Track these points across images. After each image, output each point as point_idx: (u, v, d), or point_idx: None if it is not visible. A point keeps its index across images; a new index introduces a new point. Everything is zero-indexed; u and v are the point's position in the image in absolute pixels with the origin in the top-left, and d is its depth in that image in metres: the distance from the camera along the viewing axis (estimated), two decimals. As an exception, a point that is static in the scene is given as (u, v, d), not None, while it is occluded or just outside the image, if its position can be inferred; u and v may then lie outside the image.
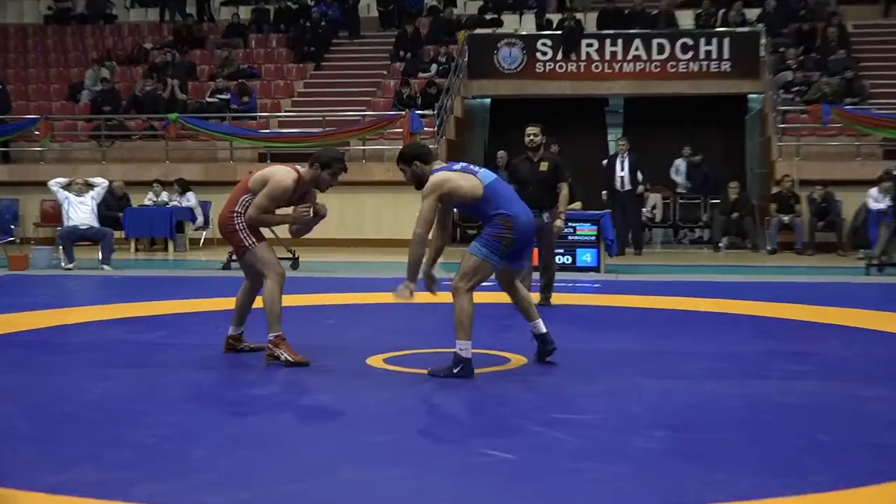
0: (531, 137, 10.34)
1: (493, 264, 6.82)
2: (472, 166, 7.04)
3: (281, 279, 7.17)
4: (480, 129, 22.59)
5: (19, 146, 20.53)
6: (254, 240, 7.17)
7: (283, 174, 7.14)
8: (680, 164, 19.32)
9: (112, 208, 17.24)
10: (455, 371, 6.69)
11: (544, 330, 7.21)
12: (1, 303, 10.53)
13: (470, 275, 6.79)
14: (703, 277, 13.20)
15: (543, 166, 10.26)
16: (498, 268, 6.91)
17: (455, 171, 6.90)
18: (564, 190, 10.29)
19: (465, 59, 20.64)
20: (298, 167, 7.27)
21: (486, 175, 6.93)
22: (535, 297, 8.52)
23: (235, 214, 7.17)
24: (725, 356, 7.61)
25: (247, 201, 7.17)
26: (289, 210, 7.29)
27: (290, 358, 7.04)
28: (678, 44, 20.26)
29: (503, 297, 10.51)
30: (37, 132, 19.71)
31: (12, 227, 18.27)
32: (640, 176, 16.89)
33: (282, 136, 19.32)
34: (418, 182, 6.93)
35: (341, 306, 10.50)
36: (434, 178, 6.82)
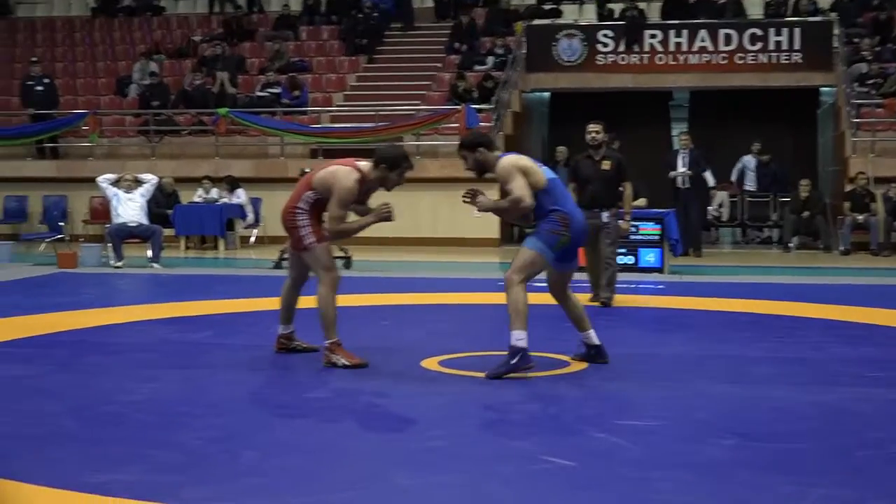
0: (592, 135, 10.24)
1: (547, 259, 6.79)
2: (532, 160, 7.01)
3: (335, 284, 7.07)
4: (539, 123, 22.38)
5: (67, 142, 20.62)
6: (314, 239, 7.06)
7: (345, 177, 6.98)
8: (749, 160, 18.93)
9: (161, 205, 17.22)
10: (513, 363, 6.62)
11: (597, 342, 7.11)
12: (49, 301, 10.54)
13: (524, 268, 6.77)
14: (773, 279, 12.98)
15: (606, 165, 10.18)
16: (550, 265, 6.86)
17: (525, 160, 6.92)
18: (628, 189, 10.25)
19: (523, 52, 20.44)
20: (360, 164, 7.12)
21: (548, 171, 6.95)
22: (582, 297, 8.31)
23: (298, 211, 7.10)
24: (795, 361, 7.43)
25: (310, 198, 7.08)
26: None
27: (346, 362, 6.94)
28: (746, 34, 19.85)
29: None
30: (85, 127, 19.79)
31: (61, 224, 18.31)
32: (709, 177, 16.53)
33: (334, 131, 19.21)
34: (481, 169, 6.95)
35: (396, 307, 10.38)
36: (508, 160, 6.89)
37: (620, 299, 10.57)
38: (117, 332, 8.67)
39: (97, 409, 5.85)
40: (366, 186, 7.08)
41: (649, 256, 13.32)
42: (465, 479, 4.52)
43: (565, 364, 7.14)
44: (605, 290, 10.28)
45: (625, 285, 11.77)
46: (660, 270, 13.25)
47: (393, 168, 7.02)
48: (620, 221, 10.20)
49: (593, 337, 7.09)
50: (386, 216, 7.07)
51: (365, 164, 7.09)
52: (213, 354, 7.60)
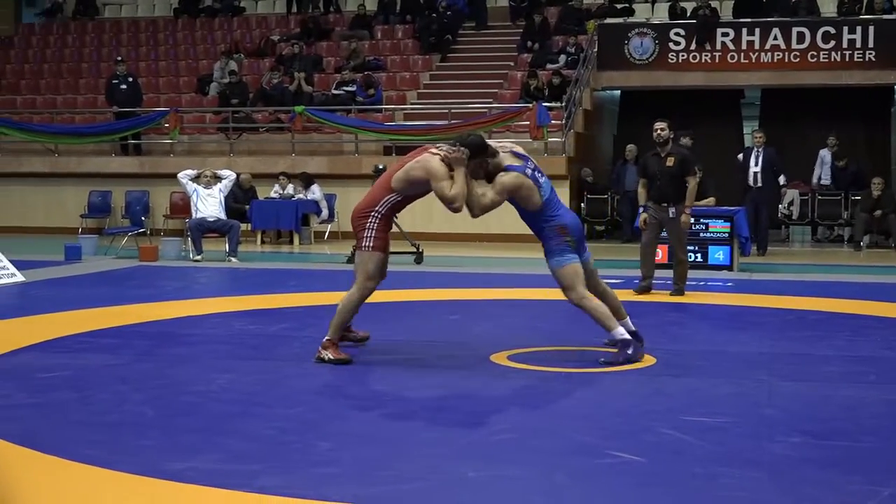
0: (658, 132, 10.48)
1: (577, 261, 7.02)
2: (536, 172, 7.07)
3: (367, 295, 7.08)
4: (609, 121, 22.28)
5: (150, 138, 21.00)
6: (373, 245, 7.01)
7: (430, 159, 6.92)
8: (825, 154, 18.68)
9: (239, 200, 17.49)
10: (629, 353, 6.89)
11: (633, 328, 7.26)
12: (130, 293, 10.74)
13: (572, 282, 7.00)
14: (843, 278, 12.77)
15: (670, 161, 10.40)
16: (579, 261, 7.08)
17: (527, 175, 6.97)
18: (692, 183, 10.40)
19: (595, 50, 20.34)
20: (433, 150, 7.05)
21: (546, 187, 7.06)
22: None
23: (374, 214, 7.01)
24: (865, 360, 7.32)
25: (391, 201, 7.02)
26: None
27: (332, 356, 6.95)
28: (819, 32, 19.54)
29: (631, 296, 10.34)
30: (166, 124, 20.12)
31: (143, 218, 18.69)
32: (782, 179, 16.34)
33: (407, 128, 19.32)
34: (489, 176, 7.02)
35: (466, 301, 10.43)
36: (515, 179, 6.94)
37: (690, 296, 10.54)
38: (195, 324, 8.82)
39: (175, 399, 5.98)
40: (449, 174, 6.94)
41: (718, 254, 13.21)
42: (532, 472, 4.54)
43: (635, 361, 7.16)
44: (676, 284, 10.59)
45: (694, 282, 11.73)
46: (729, 268, 13.15)
47: (474, 156, 6.91)
48: (682, 215, 10.40)
49: (629, 325, 7.23)
50: (458, 158, 6.85)
51: (436, 150, 7.05)
52: (288, 347, 7.68)
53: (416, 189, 7.06)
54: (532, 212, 7.03)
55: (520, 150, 7.22)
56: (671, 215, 10.42)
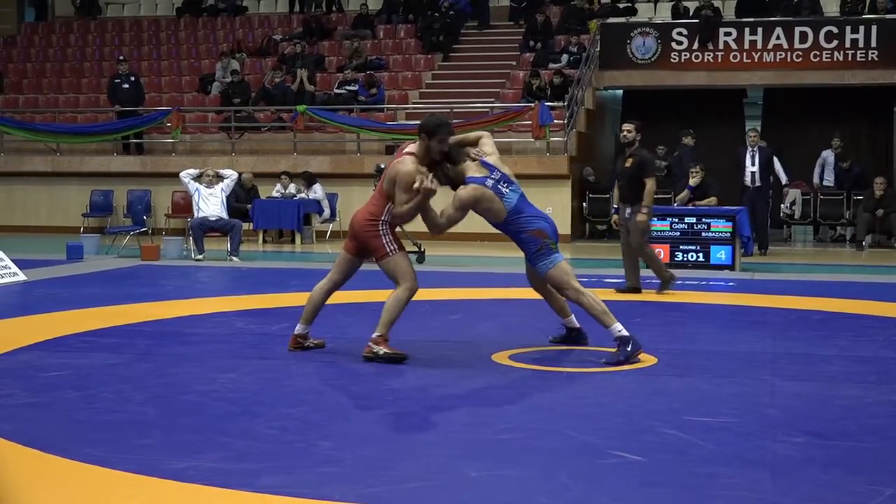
0: (624, 133, 10.76)
1: (562, 259, 7.13)
2: (501, 183, 7.07)
3: (413, 294, 7.07)
4: (612, 121, 22.28)
5: (152, 138, 21.01)
6: (396, 247, 7.06)
7: (404, 166, 7.00)
8: (828, 155, 18.66)
9: (241, 200, 17.51)
10: (629, 350, 6.91)
11: (577, 325, 7.48)
12: (132, 292, 10.74)
13: (566, 281, 7.07)
14: (845, 277, 12.78)
15: (629, 162, 10.57)
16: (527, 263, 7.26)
17: (488, 186, 7.00)
18: (649, 185, 10.49)
19: (597, 50, 20.35)
20: (409, 148, 7.14)
21: (512, 196, 7.06)
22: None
23: (381, 223, 7.05)
24: (868, 360, 7.33)
25: (385, 225, 7.08)
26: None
27: (387, 351, 6.96)
28: (822, 32, 19.54)
29: (632, 295, 10.36)
30: (168, 124, 20.13)
31: (145, 217, 18.70)
32: (781, 175, 16.29)
33: (410, 128, 19.27)
34: (452, 184, 7.10)
35: (467, 301, 10.44)
36: (472, 192, 7.00)
37: (692, 296, 10.54)
38: (197, 324, 8.83)
39: (177, 398, 5.98)
40: (424, 164, 7.04)
41: (720, 253, 13.22)
42: (534, 472, 4.54)
43: (636, 360, 7.15)
44: (632, 277, 10.87)
45: (695, 282, 11.75)
46: (731, 268, 13.15)
47: (431, 136, 6.99)
48: (638, 215, 10.50)
49: (574, 322, 7.46)
50: (428, 190, 6.94)
51: (413, 147, 7.12)
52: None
53: None
54: (502, 222, 7.10)
55: (491, 159, 7.15)
56: (627, 215, 10.59)
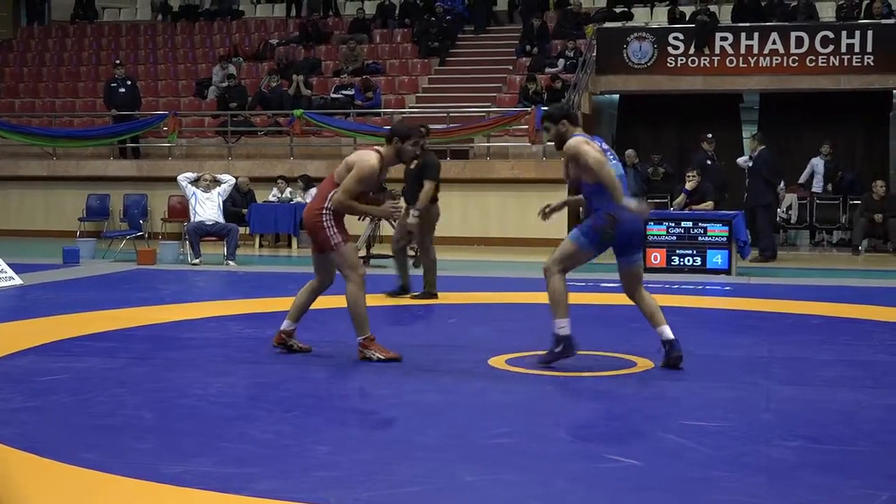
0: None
1: (585, 251, 6.96)
2: (610, 150, 7.01)
3: (363, 282, 7.14)
4: (608, 125, 22.29)
5: (148, 142, 21.00)
6: (341, 238, 7.09)
7: (367, 155, 7.10)
8: (817, 163, 18.69)
9: (237, 204, 17.50)
10: (557, 350, 6.84)
11: (671, 336, 6.99)
12: (129, 297, 10.74)
13: (562, 259, 7.00)
14: (842, 282, 12.77)
15: (414, 164, 10.37)
16: (589, 255, 7.00)
17: (597, 145, 6.90)
18: (427, 187, 10.32)
19: (594, 54, 20.34)
20: (378, 147, 7.23)
21: (617, 166, 6.97)
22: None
23: (324, 211, 7.08)
24: (863, 365, 7.34)
25: (329, 216, 7.11)
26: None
27: (381, 356, 7.05)
28: (818, 37, 19.54)
29: (629, 300, 10.34)
30: (165, 128, 20.12)
31: (141, 221, 18.68)
32: (741, 162, 16.32)
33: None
34: (560, 141, 6.93)
35: (464, 305, 10.44)
36: (585, 143, 6.83)
37: (688, 300, 10.55)
38: (193, 328, 8.82)
39: (173, 402, 5.98)
40: (386, 165, 7.14)
41: (717, 258, 13.24)
42: (530, 476, 4.54)
43: (632, 364, 7.14)
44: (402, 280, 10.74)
45: (692, 286, 11.76)
46: (727, 272, 13.17)
47: (405, 140, 7.11)
48: (410, 218, 10.25)
49: (667, 332, 6.98)
50: (393, 213, 7.36)
51: (383, 148, 7.19)
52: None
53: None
54: (597, 188, 6.83)
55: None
56: (410, 218, 10.37)
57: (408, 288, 10.68)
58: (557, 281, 6.92)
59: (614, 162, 6.94)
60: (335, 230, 7.08)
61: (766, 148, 15.82)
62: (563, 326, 6.87)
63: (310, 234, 7.29)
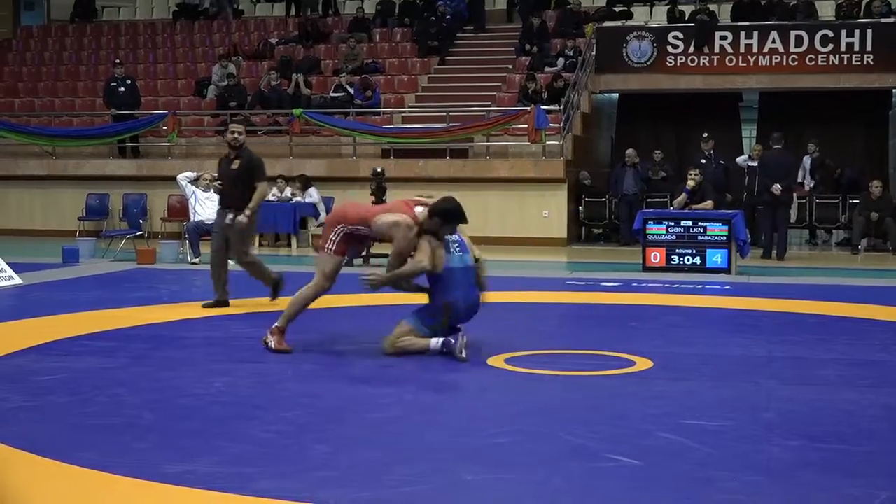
0: (235, 135, 9.90)
1: (421, 333, 7.35)
2: (458, 245, 7.47)
3: (318, 293, 7.53)
4: (608, 124, 22.31)
5: (148, 141, 20.99)
6: (335, 250, 7.42)
7: (405, 233, 7.21)
8: (805, 160, 18.72)
9: (237, 203, 17.45)
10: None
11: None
12: (128, 296, 10.74)
13: (399, 335, 7.35)
14: (840, 281, 12.77)
15: (236, 164, 9.86)
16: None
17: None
18: (261, 188, 9.84)
19: (593, 53, 20.35)
20: (417, 212, 7.32)
21: (456, 260, 7.41)
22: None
23: (344, 229, 7.42)
24: (863, 364, 7.34)
25: (361, 231, 7.40)
26: None
27: (274, 346, 7.43)
28: (817, 36, 19.55)
29: (629, 299, 10.36)
30: (164, 127, 20.12)
31: (141, 221, 18.69)
32: (739, 159, 16.32)
33: (405, 131, 19.33)
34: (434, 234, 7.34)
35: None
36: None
37: (688, 299, 10.55)
38: (193, 327, 8.83)
39: (173, 402, 5.98)
40: (421, 233, 7.29)
41: (716, 257, 13.25)
42: (529, 475, 4.55)
43: (631, 363, 7.14)
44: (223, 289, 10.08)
45: (691, 285, 11.76)
46: (727, 271, 13.17)
47: (447, 222, 7.27)
48: (240, 216, 9.69)
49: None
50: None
51: (421, 212, 7.27)
52: (285, 350, 7.71)
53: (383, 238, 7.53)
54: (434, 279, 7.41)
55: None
56: (228, 221, 9.82)
57: (279, 287, 9.97)
58: (402, 346, 7.28)
59: (459, 254, 7.37)
60: (337, 241, 7.40)
61: (765, 148, 15.85)
62: (435, 343, 7.23)
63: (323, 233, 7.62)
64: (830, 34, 19.51)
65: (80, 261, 14.24)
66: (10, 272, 11.63)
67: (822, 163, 18.77)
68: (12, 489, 4.37)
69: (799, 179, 18.68)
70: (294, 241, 17.85)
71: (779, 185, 15.08)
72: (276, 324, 7.52)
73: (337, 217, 7.55)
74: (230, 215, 9.81)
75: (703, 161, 16.51)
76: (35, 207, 20.40)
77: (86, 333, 8.31)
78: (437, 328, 7.32)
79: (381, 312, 9.10)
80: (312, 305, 7.68)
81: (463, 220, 7.34)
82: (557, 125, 18.50)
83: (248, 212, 9.66)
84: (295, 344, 7.55)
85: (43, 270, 12.93)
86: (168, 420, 5.56)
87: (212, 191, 14.69)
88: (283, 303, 8.11)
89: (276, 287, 9.94)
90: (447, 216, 7.23)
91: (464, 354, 7.08)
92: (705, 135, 17.33)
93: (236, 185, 9.78)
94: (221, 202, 10.05)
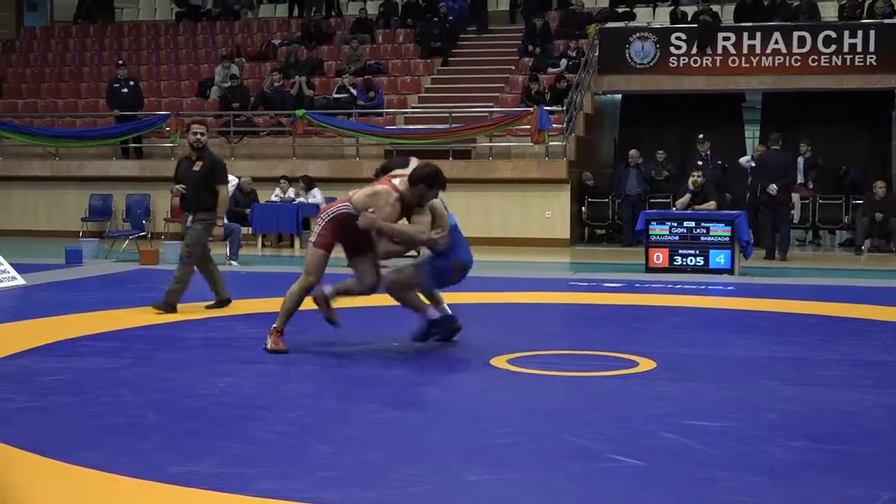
0: (198, 136, 9.74)
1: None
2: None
3: (307, 289, 7.53)
4: (611, 125, 22.31)
5: (151, 142, 21.01)
6: (320, 242, 7.44)
7: (385, 198, 7.20)
8: (800, 160, 18.71)
9: (240, 204, 17.50)
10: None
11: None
12: (132, 297, 10.74)
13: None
14: (844, 281, 12.75)
15: (198, 166, 9.66)
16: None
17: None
18: (223, 192, 9.70)
19: (596, 54, 20.35)
20: (396, 183, 7.31)
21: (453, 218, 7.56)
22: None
23: (326, 216, 7.51)
24: (865, 364, 7.34)
25: (328, 215, 7.49)
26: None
27: (270, 346, 7.47)
28: (820, 36, 19.52)
29: (631, 299, 10.37)
30: (167, 128, 20.13)
31: (144, 221, 18.71)
32: (743, 161, 16.30)
33: (408, 132, 19.34)
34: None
35: (466, 305, 10.40)
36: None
37: (691, 300, 10.55)
38: (196, 328, 8.84)
39: (176, 402, 6.00)
40: (407, 203, 7.25)
41: (719, 258, 13.25)
42: (532, 475, 4.55)
43: (634, 364, 7.14)
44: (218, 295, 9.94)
45: (694, 286, 11.76)
46: (730, 272, 13.17)
47: (431, 187, 7.23)
48: (214, 228, 9.63)
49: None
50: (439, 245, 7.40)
51: (402, 183, 7.25)
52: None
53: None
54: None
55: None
56: (189, 223, 9.66)
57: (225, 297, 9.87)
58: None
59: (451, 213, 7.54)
60: (323, 233, 7.46)
61: (766, 148, 15.86)
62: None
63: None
64: (833, 35, 19.49)
65: (83, 261, 14.26)
66: (13, 273, 11.64)
67: (815, 163, 18.77)
68: (16, 489, 4.38)
69: (799, 180, 18.68)
70: (297, 242, 17.86)
71: (775, 186, 15.08)
72: (274, 324, 7.56)
73: (325, 207, 7.72)
74: (190, 218, 9.71)
75: (700, 162, 16.52)
76: (39, 208, 20.43)
77: (89, 334, 8.33)
78: (443, 285, 7.54)
79: (388, 313, 9.12)
80: (334, 305, 7.68)
81: (445, 182, 7.31)
82: (560, 126, 18.50)
83: (220, 223, 9.69)
84: (305, 343, 7.55)
85: (46, 271, 12.94)
86: (171, 420, 5.57)
87: (173, 196, 14.70)
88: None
89: (220, 304, 9.85)
90: (431, 180, 7.22)
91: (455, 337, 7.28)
92: (701, 136, 17.34)
93: (198, 188, 9.60)
94: (183, 205, 9.93)
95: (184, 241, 9.89)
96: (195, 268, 9.76)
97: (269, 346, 7.47)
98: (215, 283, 9.94)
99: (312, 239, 7.48)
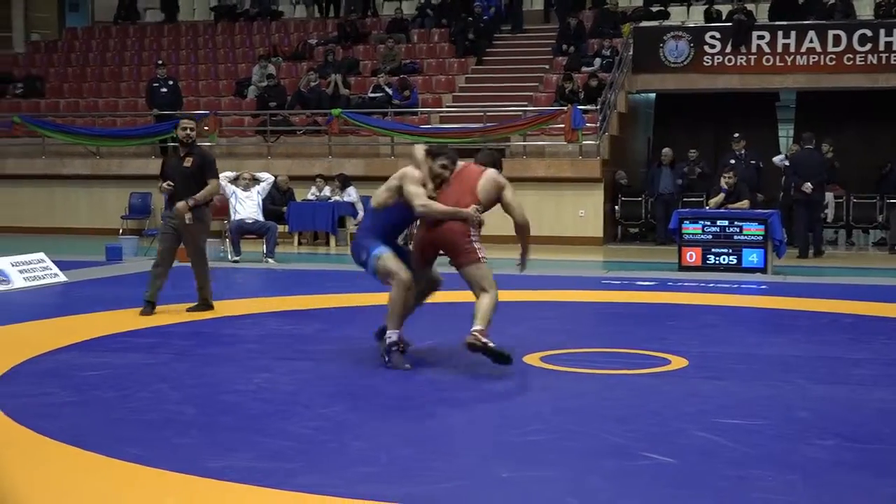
0: (187, 132, 9.57)
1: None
2: None
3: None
4: (644, 124, 22.26)
5: (189, 141, 21.12)
6: (485, 254, 7.30)
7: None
8: None
9: (277, 202, 17.63)
10: (387, 360, 6.98)
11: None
12: (169, 294, 10.79)
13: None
14: (877, 281, 12.69)
15: (188, 161, 9.54)
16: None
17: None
18: (213, 185, 9.59)
19: (630, 53, 20.30)
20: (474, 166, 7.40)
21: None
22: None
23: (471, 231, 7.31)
24: (898, 363, 7.30)
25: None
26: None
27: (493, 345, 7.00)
28: (856, 35, 19.37)
29: (664, 298, 10.37)
30: (205, 127, 20.24)
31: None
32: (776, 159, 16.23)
33: (443, 131, 19.37)
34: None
35: (500, 303, 10.42)
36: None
37: (724, 299, 10.53)
38: (233, 324, 8.92)
39: (213, 398, 6.06)
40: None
41: (752, 257, 13.21)
42: (565, 473, 4.58)
43: (667, 362, 7.16)
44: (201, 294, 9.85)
45: (728, 285, 11.73)
46: (763, 271, 13.13)
47: (435, 158, 7.31)
48: (179, 203, 9.38)
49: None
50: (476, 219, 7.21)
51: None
52: (323, 346, 7.77)
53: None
54: None
55: None
56: (187, 221, 9.46)
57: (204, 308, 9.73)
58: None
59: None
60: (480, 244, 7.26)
61: (800, 148, 15.79)
62: (391, 336, 6.98)
63: (450, 248, 7.23)
64: (869, 33, 19.34)
65: (123, 258, 14.41)
66: (55, 269, 11.81)
67: (832, 164, 18.63)
68: (58, 482, 4.47)
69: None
70: (332, 240, 17.97)
71: (809, 184, 15.02)
72: (478, 327, 6.90)
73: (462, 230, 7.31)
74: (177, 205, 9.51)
75: (733, 161, 16.45)
76: (80, 206, 20.65)
77: (128, 330, 8.45)
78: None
79: (422, 312, 9.18)
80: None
81: (441, 152, 7.44)
82: (594, 125, 18.49)
83: (191, 201, 9.35)
84: (341, 339, 7.59)
85: (87, 268, 13.10)
86: (209, 415, 5.63)
87: (251, 190, 14.86)
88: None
89: (203, 306, 9.71)
90: (435, 152, 7.40)
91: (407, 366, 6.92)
92: (736, 135, 17.27)
93: (188, 183, 9.48)
94: (170, 200, 9.76)
95: (187, 247, 9.73)
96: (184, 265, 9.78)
97: (492, 346, 6.83)
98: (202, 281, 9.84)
99: (481, 255, 7.20)
